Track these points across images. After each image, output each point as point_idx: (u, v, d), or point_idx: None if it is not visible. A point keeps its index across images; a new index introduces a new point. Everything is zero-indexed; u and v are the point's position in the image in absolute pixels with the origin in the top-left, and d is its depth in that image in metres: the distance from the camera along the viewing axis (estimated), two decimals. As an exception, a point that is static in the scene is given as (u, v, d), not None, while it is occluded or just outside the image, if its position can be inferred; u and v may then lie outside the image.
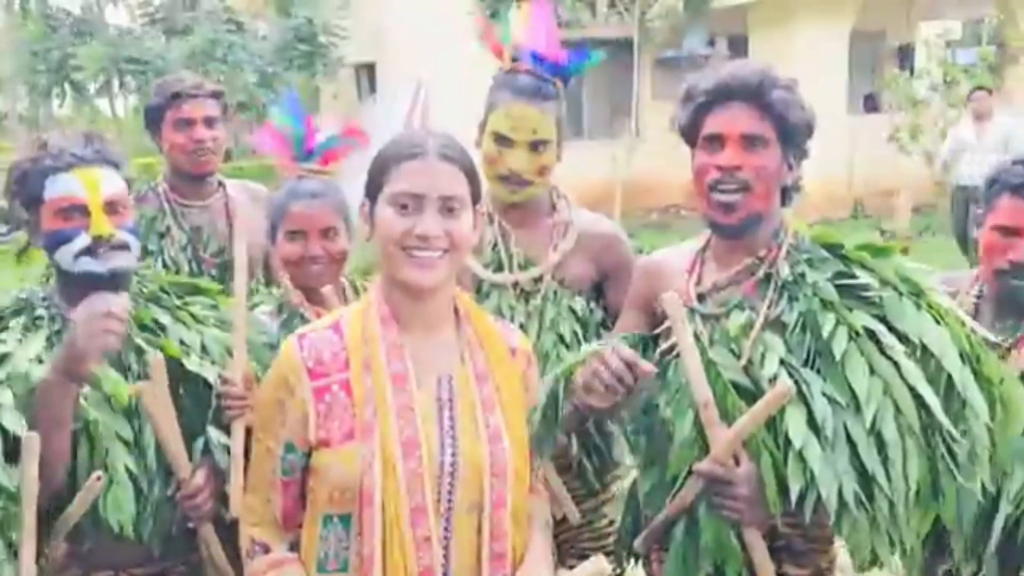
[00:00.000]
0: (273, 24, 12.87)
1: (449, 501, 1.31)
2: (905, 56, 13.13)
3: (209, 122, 2.35)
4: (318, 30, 12.02)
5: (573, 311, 1.88)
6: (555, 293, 1.88)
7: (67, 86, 13.50)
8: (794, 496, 1.39)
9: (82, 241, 1.56)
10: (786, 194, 1.57)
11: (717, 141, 1.50)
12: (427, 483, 1.28)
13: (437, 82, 11.58)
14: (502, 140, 1.85)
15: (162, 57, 12.13)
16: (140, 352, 1.60)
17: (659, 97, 12.38)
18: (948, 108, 10.77)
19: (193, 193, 2.41)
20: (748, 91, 1.48)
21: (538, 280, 1.89)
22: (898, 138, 10.75)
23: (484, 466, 1.32)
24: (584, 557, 1.74)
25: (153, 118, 2.38)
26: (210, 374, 1.64)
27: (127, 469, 1.53)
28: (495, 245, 1.91)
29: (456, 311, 1.40)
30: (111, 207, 1.58)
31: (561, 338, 1.85)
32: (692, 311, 1.55)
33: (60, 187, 1.55)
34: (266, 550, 1.38)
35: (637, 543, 1.61)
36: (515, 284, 1.89)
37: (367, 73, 14.07)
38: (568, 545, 1.98)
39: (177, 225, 2.38)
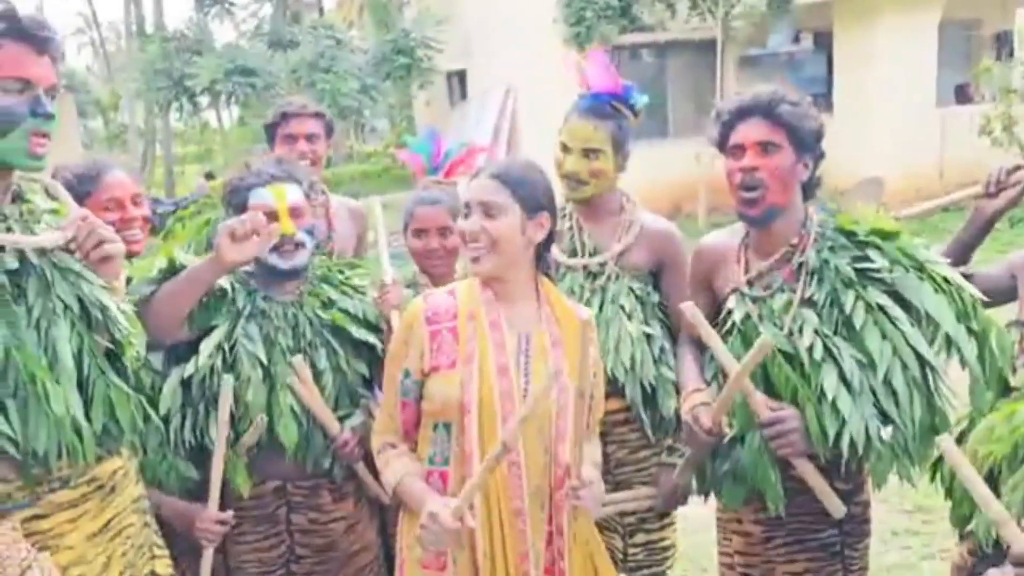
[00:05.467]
0: (371, 37, 13.59)
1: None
2: (1003, 44, 12.80)
3: (310, 138, 2.77)
4: (415, 43, 12.62)
5: (632, 290, 2.29)
6: (617, 275, 2.29)
7: (184, 100, 14.56)
8: (831, 436, 1.77)
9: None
10: (807, 190, 1.95)
11: (739, 149, 1.89)
12: (516, 399, 1.67)
13: (524, 87, 12.07)
14: (564, 148, 2.28)
15: (268, 69, 13.03)
16: (315, 321, 2.12)
17: (744, 95, 12.46)
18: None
19: None
20: (761, 108, 1.86)
21: (603, 265, 2.30)
22: (990, 130, 10.55)
23: (551, 405, 1.68)
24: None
25: (269, 133, 2.85)
26: (371, 338, 2.15)
27: (291, 408, 2.03)
28: (571, 236, 2.33)
29: (537, 291, 1.79)
30: (294, 212, 2.07)
31: (622, 308, 2.27)
32: (743, 294, 1.95)
33: (258, 197, 2.06)
34: (393, 446, 1.79)
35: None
36: (585, 267, 2.31)
37: (458, 80, 14.62)
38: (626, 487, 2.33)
39: None
